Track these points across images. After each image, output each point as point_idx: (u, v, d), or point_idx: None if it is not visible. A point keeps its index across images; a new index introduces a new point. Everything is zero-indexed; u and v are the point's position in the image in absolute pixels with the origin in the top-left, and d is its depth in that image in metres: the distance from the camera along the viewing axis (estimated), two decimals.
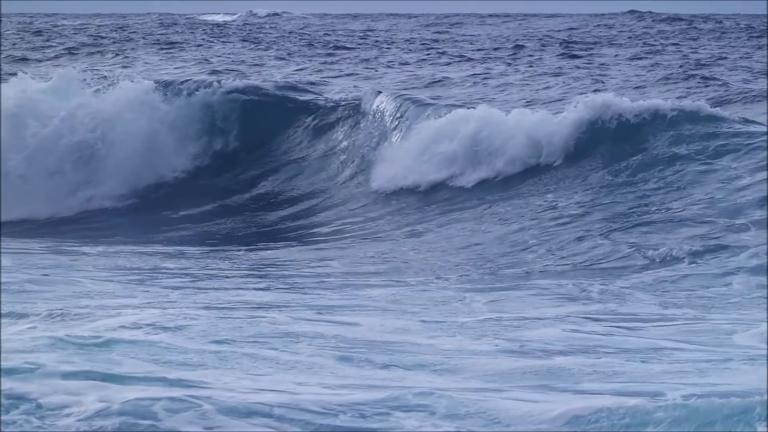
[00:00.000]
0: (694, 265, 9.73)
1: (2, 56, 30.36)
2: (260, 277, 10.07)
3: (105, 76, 20.51)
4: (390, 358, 6.15)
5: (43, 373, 5.01)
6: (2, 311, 7.04)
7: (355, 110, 17.77)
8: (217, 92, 18.27)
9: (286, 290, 9.09)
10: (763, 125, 14.34)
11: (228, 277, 10.00)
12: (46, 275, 9.44)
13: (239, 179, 17.17)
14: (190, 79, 18.88)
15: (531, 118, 15.11)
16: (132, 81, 18.17)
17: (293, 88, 19.60)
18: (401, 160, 15.42)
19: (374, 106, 17.36)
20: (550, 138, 14.55)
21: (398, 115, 16.75)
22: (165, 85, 18.31)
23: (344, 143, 17.32)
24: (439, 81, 24.06)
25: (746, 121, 14.42)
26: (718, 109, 15.01)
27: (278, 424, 4.58)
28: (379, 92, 17.93)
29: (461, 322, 7.43)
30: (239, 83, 18.91)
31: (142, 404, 4.63)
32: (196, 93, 18.18)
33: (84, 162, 16.70)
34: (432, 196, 14.49)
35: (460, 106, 16.16)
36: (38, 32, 43.49)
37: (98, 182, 16.50)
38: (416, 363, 6.06)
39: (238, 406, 4.72)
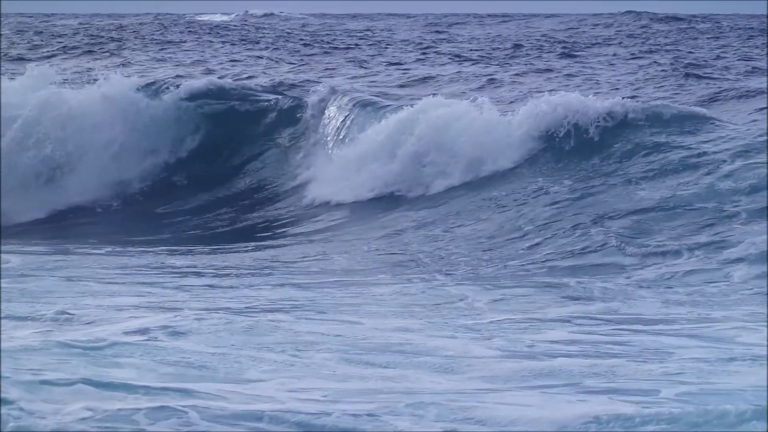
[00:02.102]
0: (694, 259, 9.73)
1: (1, 55, 30.36)
2: (264, 275, 10.03)
3: (89, 74, 20.39)
4: (390, 360, 6.14)
5: (33, 378, 4.97)
6: (6, 313, 7.02)
7: (312, 107, 17.66)
8: (187, 91, 18.03)
9: (290, 289, 9.10)
10: (739, 125, 14.37)
11: (229, 276, 9.96)
12: (51, 276, 9.42)
13: (227, 174, 17.12)
14: (158, 82, 18.77)
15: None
16: (114, 76, 17.92)
17: (280, 84, 19.66)
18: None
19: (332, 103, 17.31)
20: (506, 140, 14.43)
21: (348, 116, 16.71)
22: (146, 86, 18.19)
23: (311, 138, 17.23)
24: (434, 78, 24.03)
25: (723, 122, 14.43)
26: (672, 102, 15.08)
27: (267, 426, 4.53)
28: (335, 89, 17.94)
29: (462, 323, 7.42)
30: (210, 84, 18.66)
31: (123, 413, 4.57)
32: (167, 92, 17.99)
33: (56, 162, 16.53)
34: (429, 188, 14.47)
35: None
36: (38, 32, 43.50)
37: (72, 184, 16.32)
38: (416, 364, 6.04)
39: (224, 413, 4.68)
